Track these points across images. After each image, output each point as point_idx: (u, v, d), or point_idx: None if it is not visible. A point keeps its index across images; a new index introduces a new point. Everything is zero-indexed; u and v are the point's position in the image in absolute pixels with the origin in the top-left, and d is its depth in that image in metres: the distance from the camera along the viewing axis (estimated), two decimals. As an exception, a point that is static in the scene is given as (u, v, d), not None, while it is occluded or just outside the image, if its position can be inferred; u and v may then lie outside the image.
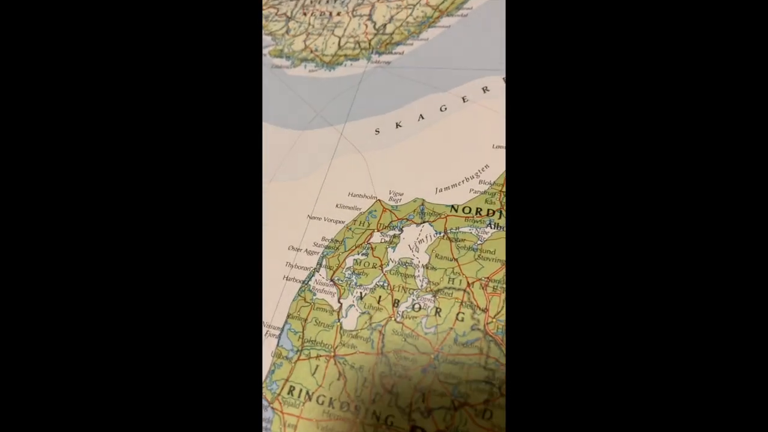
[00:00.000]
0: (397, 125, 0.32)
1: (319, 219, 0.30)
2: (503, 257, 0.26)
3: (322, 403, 0.25)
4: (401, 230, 0.28)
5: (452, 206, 0.28)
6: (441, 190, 0.29)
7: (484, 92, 0.31)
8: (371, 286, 0.27)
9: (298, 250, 0.30)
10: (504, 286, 0.25)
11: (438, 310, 0.25)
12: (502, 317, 0.24)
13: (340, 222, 0.30)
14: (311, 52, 0.38)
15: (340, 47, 0.37)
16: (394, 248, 0.28)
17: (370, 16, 0.38)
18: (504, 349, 0.24)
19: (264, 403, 0.26)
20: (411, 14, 0.37)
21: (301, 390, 0.26)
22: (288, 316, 0.28)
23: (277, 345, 0.27)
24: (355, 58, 0.36)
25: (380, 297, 0.27)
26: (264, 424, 0.25)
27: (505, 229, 0.26)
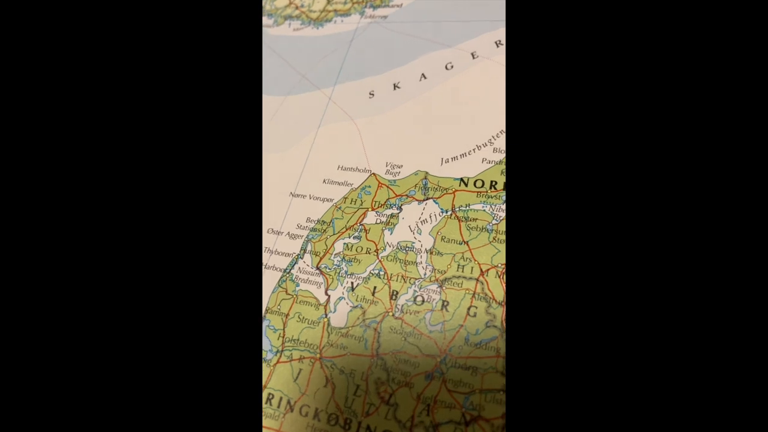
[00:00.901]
0: (395, 87, 0.27)
1: (304, 197, 0.26)
2: (523, 239, 0.21)
3: (306, 415, 0.21)
4: (400, 209, 0.24)
5: (461, 179, 0.24)
6: (447, 161, 0.24)
7: (497, 46, 0.27)
8: (365, 275, 0.23)
9: (278, 233, 0.25)
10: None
11: (445, 303, 0.21)
12: (523, 312, 0.20)
13: (328, 200, 0.25)
14: (296, 8, 0.33)
15: (329, 2, 0.33)
16: (391, 230, 0.23)
17: (363, -33, 0.33)
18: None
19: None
20: (410, -38, 0.32)
21: (281, 398, 0.21)
22: (266, 311, 0.23)
23: (254, 345, 0.23)
24: (347, 14, 0.32)
25: (375, 288, 0.22)
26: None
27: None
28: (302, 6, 0.33)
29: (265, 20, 0.34)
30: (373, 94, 0.28)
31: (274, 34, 0.33)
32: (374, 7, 0.31)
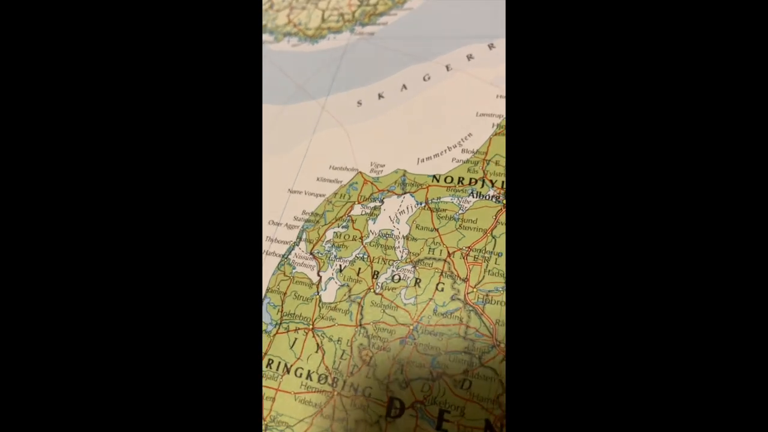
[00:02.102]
0: (380, 96, 0.31)
1: (300, 193, 0.30)
2: (485, 226, 0.25)
3: (300, 376, 0.24)
4: (382, 201, 0.28)
5: (434, 176, 0.27)
6: (423, 161, 0.28)
7: (468, 60, 0.30)
8: (351, 259, 0.26)
9: (278, 224, 0.29)
10: (485, 255, 0.24)
11: (418, 280, 0.25)
12: (483, 287, 0.24)
13: (320, 195, 0.29)
14: (294, 26, 0.37)
15: (323, 20, 0.37)
16: (374, 220, 0.27)
17: (354, -12, 0.37)
18: (484, 319, 0.23)
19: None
20: (396, -16, 0.36)
21: (279, 363, 0.25)
22: (267, 290, 0.27)
23: (257, 319, 0.27)
24: (339, 31, 0.35)
25: (360, 269, 0.26)
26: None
27: (498, 200, 0.26)
28: (299, 24, 0.37)
29: (266, 37, 0.38)
30: (360, 103, 0.31)
31: (274, 50, 0.37)
32: (363, 25, 0.35)
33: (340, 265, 0.26)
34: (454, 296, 0.24)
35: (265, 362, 0.25)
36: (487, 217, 0.25)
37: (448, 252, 0.25)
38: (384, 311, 0.25)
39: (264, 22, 0.39)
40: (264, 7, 0.40)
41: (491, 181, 0.26)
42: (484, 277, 0.24)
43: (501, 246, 0.24)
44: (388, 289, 0.25)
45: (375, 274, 0.26)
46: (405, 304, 0.24)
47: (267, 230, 0.29)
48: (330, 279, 0.26)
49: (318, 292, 0.26)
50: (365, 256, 0.26)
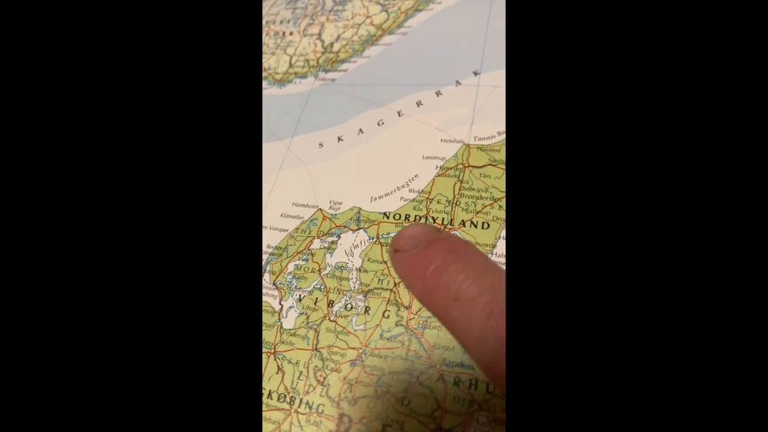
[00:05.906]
0: (339, 139, 0.35)
1: (266, 228, 0.33)
2: (427, 259, 0.28)
3: (262, 396, 0.27)
4: (339, 236, 0.31)
5: (384, 213, 0.31)
6: (375, 199, 0.31)
7: (418, 106, 0.34)
8: (309, 289, 0.30)
9: (245, 256, 0.32)
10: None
11: (367, 308, 0.28)
12: (423, 313, 0.27)
13: (284, 230, 0.32)
14: (264, 70, 0.41)
15: (290, 65, 0.40)
16: (331, 253, 0.30)
17: (319, 35, 0.41)
18: (423, 342, 0.26)
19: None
20: (356, 33, 0.40)
21: (244, 385, 0.28)
22: (235, 318, 0.30)
23: (225, 344, 0.29)
24: (304, 76, 0.39)
25: (317, 299, 0.29)
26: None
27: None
28: (269, 68, 0.41)
29: (239, 80, 0.41)
30: (322, 145, 0.35)
31: (246, 92, 0.40)
32: (326, 71, 0.38)
33: (300, 295, 0.30)
34: (398, 322, 0.27)
35: (231, 384, 0.28)
36: (429, 251, 0.28)
37: (395, 282, 0.28)
38: (337, 336, 0.28)
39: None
40: (237, 51, 0.43)
41: (433, 218, 0.29)
42: (424, 305, 0.27)
43: (440, 277, 0.28)
44: (342, 317, 0.28)
45: (330, 303, 0.29)
46: (355, 330, 0.28)
47: (235, 262, 0.32)
48: (290, 308, 0.29)
49: (279, 320, 0.29)
50: (322, 287, 0.29)
